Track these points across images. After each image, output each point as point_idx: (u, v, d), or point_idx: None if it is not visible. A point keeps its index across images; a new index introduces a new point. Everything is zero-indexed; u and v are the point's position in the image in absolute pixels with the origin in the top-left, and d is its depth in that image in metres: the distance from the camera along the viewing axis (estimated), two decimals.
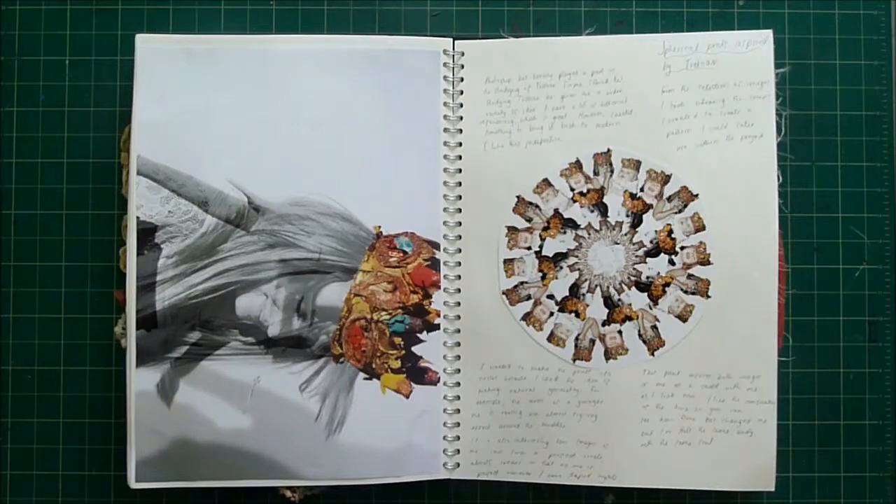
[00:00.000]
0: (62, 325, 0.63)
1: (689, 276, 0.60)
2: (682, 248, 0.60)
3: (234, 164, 0.60)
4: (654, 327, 0.60)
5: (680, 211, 0.60)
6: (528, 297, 0.61)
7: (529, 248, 0.61)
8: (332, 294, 0.61)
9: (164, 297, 0.59)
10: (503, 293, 0.61)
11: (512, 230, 0.61)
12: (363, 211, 0.61)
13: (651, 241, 0.60)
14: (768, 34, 0.60)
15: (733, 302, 0.59)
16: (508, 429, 0.60)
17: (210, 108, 0.60)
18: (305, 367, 0.60)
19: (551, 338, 0.60)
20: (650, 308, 0.60)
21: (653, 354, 0.60)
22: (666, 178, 0.60)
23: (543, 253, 0.61)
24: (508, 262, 0.61)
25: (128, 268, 0.59)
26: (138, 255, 0.59)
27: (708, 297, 0.60)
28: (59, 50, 0.63)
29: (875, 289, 0.63)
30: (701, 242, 0.60)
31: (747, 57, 0.60)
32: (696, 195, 0.60)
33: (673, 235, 0.60)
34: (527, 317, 0.61)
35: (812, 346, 0.63)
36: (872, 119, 0.63)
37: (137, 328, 0.59)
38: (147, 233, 0.59)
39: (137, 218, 0.59)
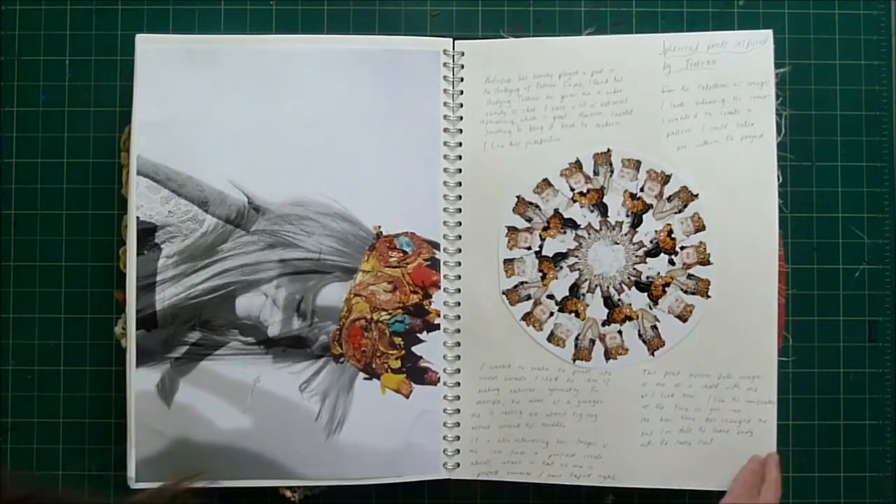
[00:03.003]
0: (62, 325, 0.63)
1: (689, 276, 0.60)
2: (682, 248, 0.60)
3: (234, 164, 0.60)
4: (654, 327, 0.60)
5: (680, 211, 0.60)
6: (528, 297, 0.61)
7: (529, 248, 0.61)
8: (332, 294, 0.61)
9: (164, 297, 0.59)
10: (503, 293, 0.61)
11: (512, 230, 0.61)
12: (363, 211, 0.61)
13: (651, 241, 0.60)
14: (768, 34, 0.60)
15: (733, 302, 0.59)
16: (508, 429, 0.60)
17: (210, 108, 0.60)
18: (305, 367, 0.60)
19: (551, 338, 0.60)
20: (650, 308, 0.60)
21: (653, 354, 0.60)
22: (666, 178, 0.60)
23: (543, 253, 0.61)
24: (508, 262, 0.61)
25: (128, 268, 0.59)
26: (138, 255, 0.59)
27: (708, 297, 0.60)
28: (59, 50, 0.63)
29: (875, 289, 0.63)
30: (701, 242, 0.60)
31: (747, 57, 0.60)
32: (696, 195, 0.60)
33: (673, 235, 0.60)
34: (527, 317, 0.61)
35: (812, 346, 0.63)
36: (872, 119, 0.63)
37: (137, 328, 0.59)
38: (147, 233, 0.59)
39: (137, 218, 0.59)
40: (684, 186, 0.60)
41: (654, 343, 0.60)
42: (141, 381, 0.59)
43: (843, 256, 0.63)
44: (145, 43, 0.60)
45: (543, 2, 0.64)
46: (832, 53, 0.64)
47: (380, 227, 0.61)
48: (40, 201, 0.63)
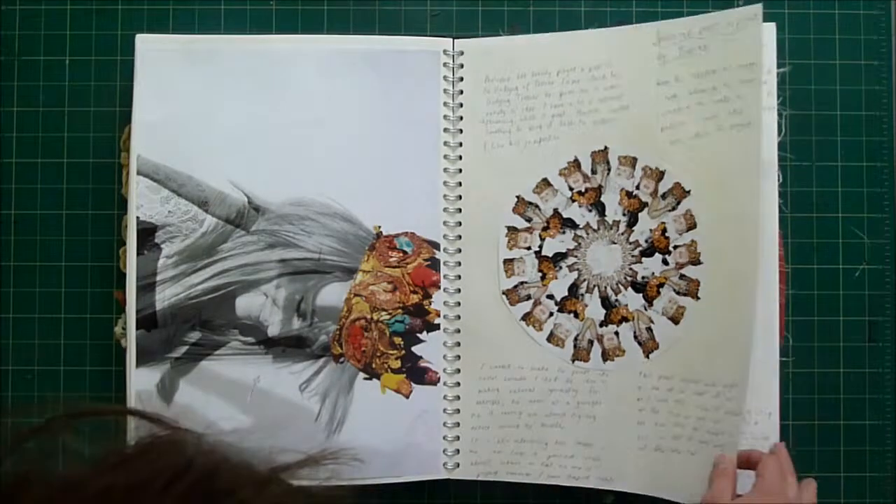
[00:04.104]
0: (62, 325, 0.63)
1: (681, 277, 0.59)
2: (675, 247, 0.59)
3: (234, 164, 0.60)
4: (649, 329, 0.60)
5: (673, 209, 0.59)
6: (528, 297, 0.61)
7: (529, 248, 0.61)
8: (332, 294, 0.61)
9: (164, 297, 0.59)
10: (503, 293, 0.61)
11: (512, 230, 0.61)
12: (363, 211, 0.61)
13: (646, 241, 0.60)
14: (758, 9, 0.55)
15: (723, 302, 0.57)
16: (508, 429, 0.60)
17: (210, 108, 0.60)
18: (305, 367, 0.60)
19: (551, 338, 0.60)
20: (645, 309, 0.60)
21: (648, 357, 0.59)
22: (660, 175, 0.60)
23: (543, 253, 0.61)
24: (508, 262, 0.61)
25: (128, 268, 0.59)
26: (138, 255, 0.59)
27: (697, 298, 0.58)
28: (59, 50, 0.63)
29: (875, 289, 0.63)
30: (692, 241, 0.59)
31: (737, 37, 0.56)
32: (688, 191, 0.59)
33: (666, 234, 0.60)
34: (526, 317, 0.61)
35: (812, 346, 0.63)
36: (872, 119, 0.63)
37: (137, 328, 0.59)
38: (147, 233, 0.59)
39: (137, 218, 0.59)
40: (677, 183, 0.59)
41: (648, 345, 0.59)
42: (141, 381, 0.59)
43: (843, 256, 0.63)
44: (145, 43, 0.60)
45: (543, 2, 0.64)
46: (832, 53, 0.64)
47: (380, 227, 0.61)
48: (40, 201, 0.63)
